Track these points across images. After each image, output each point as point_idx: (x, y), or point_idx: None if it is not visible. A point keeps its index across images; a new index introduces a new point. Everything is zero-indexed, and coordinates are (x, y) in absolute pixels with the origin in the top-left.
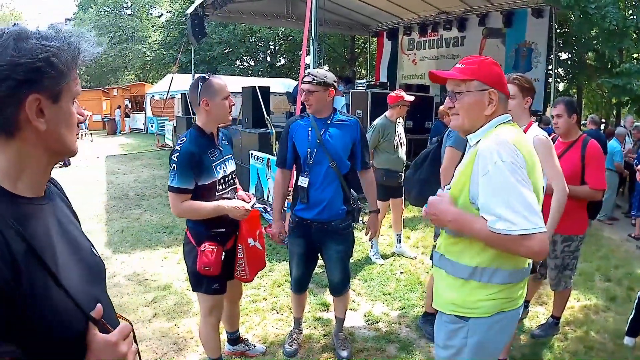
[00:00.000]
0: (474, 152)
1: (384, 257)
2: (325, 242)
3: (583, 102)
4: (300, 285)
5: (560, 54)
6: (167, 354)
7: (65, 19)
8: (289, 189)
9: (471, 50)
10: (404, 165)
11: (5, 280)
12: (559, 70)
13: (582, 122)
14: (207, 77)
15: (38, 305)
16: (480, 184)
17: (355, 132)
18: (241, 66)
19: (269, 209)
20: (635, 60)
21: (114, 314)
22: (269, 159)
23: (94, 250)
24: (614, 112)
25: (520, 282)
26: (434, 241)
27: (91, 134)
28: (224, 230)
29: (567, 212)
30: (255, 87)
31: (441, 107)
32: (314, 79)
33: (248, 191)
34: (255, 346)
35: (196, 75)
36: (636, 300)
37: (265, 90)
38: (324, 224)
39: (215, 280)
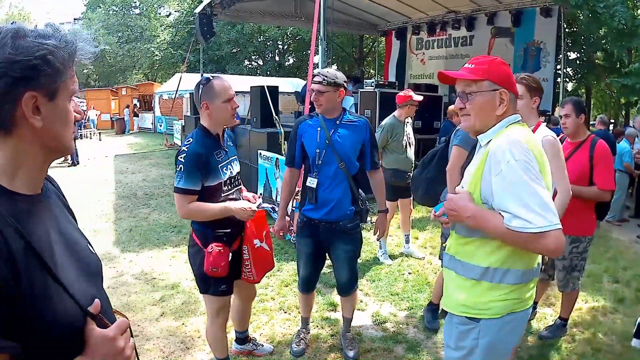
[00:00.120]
0: (485, 153)
1: (392, 257)
2: (333, 242)
3: (592, 102)
4: (308, 284)
5: (569, 53)
6: (174, 352)
7: (74, 19)
8: (297, 188)
9: (480, 49)
10: (413, 165)
11: (4, 278)
12: (568, 70)
13: (591, 122)
14: (210, 78)
15: (37, 302)
16: (493, 183)
17: (364, 132)
18: (249, 65)
19: (277, 209)
20: None
21: (110, 310)
22: (277, 158)
23: (90, 247)
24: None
25: (531, 282)
26: (442, 242)
27: (100, 133)
28: (229, 230)
29: (575, 213)
30: (263, 86)
31: (450, 107)
32: (324, 79)
33: (256, 191)
34: (262, 345)
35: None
36: None
37: (274, 90)
38: (332, 224)
39: (223, 282)
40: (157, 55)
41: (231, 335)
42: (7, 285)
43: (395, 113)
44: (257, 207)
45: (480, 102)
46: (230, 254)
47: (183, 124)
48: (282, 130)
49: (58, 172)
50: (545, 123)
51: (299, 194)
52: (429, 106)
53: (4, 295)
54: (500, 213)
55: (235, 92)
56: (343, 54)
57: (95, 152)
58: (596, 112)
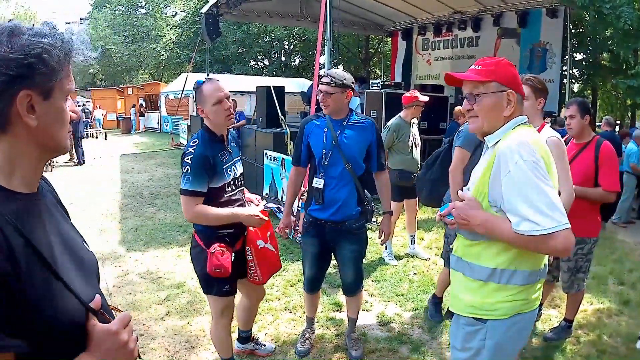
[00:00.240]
0: (492, 154)
1: (398, 258)
2: (339, 242)
3: (598, 104)
4: (313, 284)
5: (575, 54)
6: (179, 351)
7: (80, 18)
8: (303, 188)
9: (486, 50)
10: (419, 166)
11: (7, 274)
12: (574, 71)
13: (597, 123)
14: (203, 81)
15: (40, 299)
16: (502, 184)
17: (371, 133)
18: (255, 66)
19: (282, 209)
20: None
21: (108, 307)
22: (283, 158)
23: (86, 245)
24: (629, 113)
25: (538, 283)
26: (444, 242)
27: (106, 132)
28: (232, 231)
29: (580, 214)
30: (269, 86)
31: (457, 108)
32: (332, 80)
33: (262, 191)
34: (264, 345)
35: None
36: None
37: (280, 90)
38: (338, 224)
39: (226, 282)
40: (163, 55)
41: (234, 334)
42: (10, 282)
43: (402, 114)
44: (263, 207)
45: (488, 103)
46: (233, 255)
47: (189, 124)
48: (288, 130)
49: (64, 171)
50: (549, 124)
51: (304, 194)
52: (435, 107)
53: (7, 291)
54: (508, 217)
55: (241, 92)
56: (349, 55)
57: (101, 151)
58: (602, 113)
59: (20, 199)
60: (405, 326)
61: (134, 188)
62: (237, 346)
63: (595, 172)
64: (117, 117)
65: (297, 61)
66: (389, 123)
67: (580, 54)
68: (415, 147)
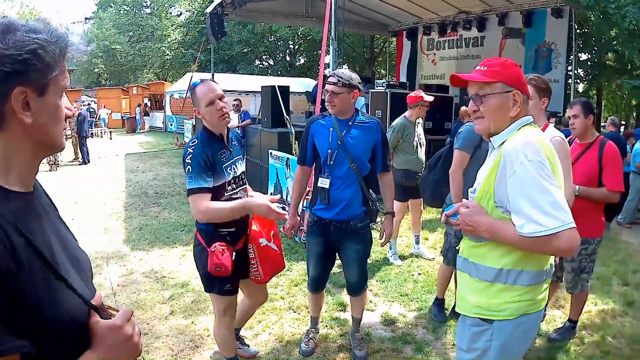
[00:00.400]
0: (498, 155)
1: (402, 258)
2: (344, 242)
3: (603, 104)
4: (317, 284)
5: (580, 54)
6: (183, 351)
7: (85, 18)
8: (308, 188)
9: (491, 50)
10: (423, 166)
11: (9, 274)
12: (579, 71)
13: (602, 124)
14: (197, 82)
15: (41, 299)
16: (508, 184)
17: (376, 133)
18: (260, 65)
19: (287, 208)
20: None
21: (103, 306)
22: (288, 158)
23: (78, 244)
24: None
25: (544, 283)
26: (444, 240)
27: (110, 132)
28: (233, 230)
29: (584, 214)
30: (274, 86)
31: (463, 108)
32: (339, 80)
33: (267, 190)
34: (248, 346)
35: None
36: None
37: (285, 90)
38: (343, 224)
39: (227, 281)
40: (168, 54)
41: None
42: (12, 281)
43: (406, 113)
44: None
45: (494, 104)
46: (234, 254)
47: (194, 123)
48: (292, 130)
49: (69, 170)
50: (552, 124)
51: (309, 193)
52: (440, 107)
53: (9, 290)
54: (512, 220)
55: (246, 91)
56: (354, 54)
57: (106, 150)
58: (607, 113)
59: (17, 198)
60: (410, 326)
61: (138, 187)
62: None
63: (599, 172)
64: (122, 117)
65: (302, 61)
66: (394, 123)
67: (585, 54)
68: (420, 147)
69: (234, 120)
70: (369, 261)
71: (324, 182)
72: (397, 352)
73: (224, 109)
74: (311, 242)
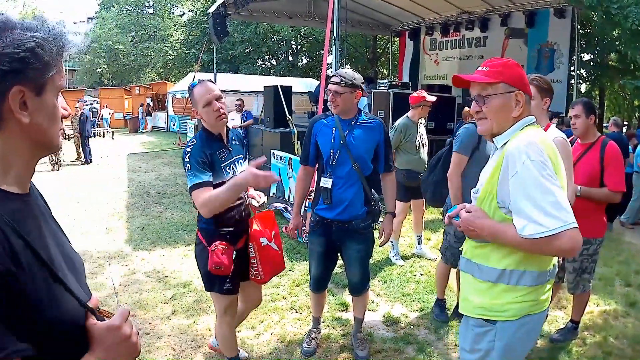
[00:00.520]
0: (501, 155)
1: (404, 258)
2: (346, 242)
3: (605, 104)
4: (319, 284)
5: (582, 55)
6: (185, 350)
7: (87, 18)
8: (311, 188)
9: (493, 50)
10: (426, 166)
11: (9, 275)
12: (582, 71)
13: (605, 124)
14: (195, 83)
15: (40, 301)
16: (510, 184)
17: (379, 134)
18: (263, 65)
19: (289, 208)
20: None
21: (100, 309)
22: (290, 158)
23: (72, 246)
24: (637, 114)
25: (547, 283)
26: (443, 239)
27: (113, 131)
28: (233, 229)
29: (586, 214)
30: (277, 86)
31: (466, 109)
32: (342, 80)
33: (269, 190)
34: (239, 351)
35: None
36: None
37: (287, 90)
38: (345, 224)
39: (227, 280)
40: (170, 54)
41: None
42: (12, 282)
43: (409, 114)
44: (258, 204)
45: (497, 104)
46: (235, 253)
47: (196, 123)
48: (295, 130)
49: (71, 170)
50: (554, 124)
51: (311, 193)
52: (443, 107)
53: (8, 292)
54: (513, 222)
55: (249, 91)
56: (356, 54)
57: (109, 150)
58: (610, 114)
59: (16, 199)
60: (412, 326)
61: (140, 187)
62: (212, 342)
63: (600, 172)
64: (124, 117)
65: (305, 61)
66: (396, 123)
67: (587, 54)
68: (423, 147)
69: (237, 120)
70: (371, 261)
71: (326, 182)
72: (399, 353)
73: (221, 110)
74: (313, 242)
